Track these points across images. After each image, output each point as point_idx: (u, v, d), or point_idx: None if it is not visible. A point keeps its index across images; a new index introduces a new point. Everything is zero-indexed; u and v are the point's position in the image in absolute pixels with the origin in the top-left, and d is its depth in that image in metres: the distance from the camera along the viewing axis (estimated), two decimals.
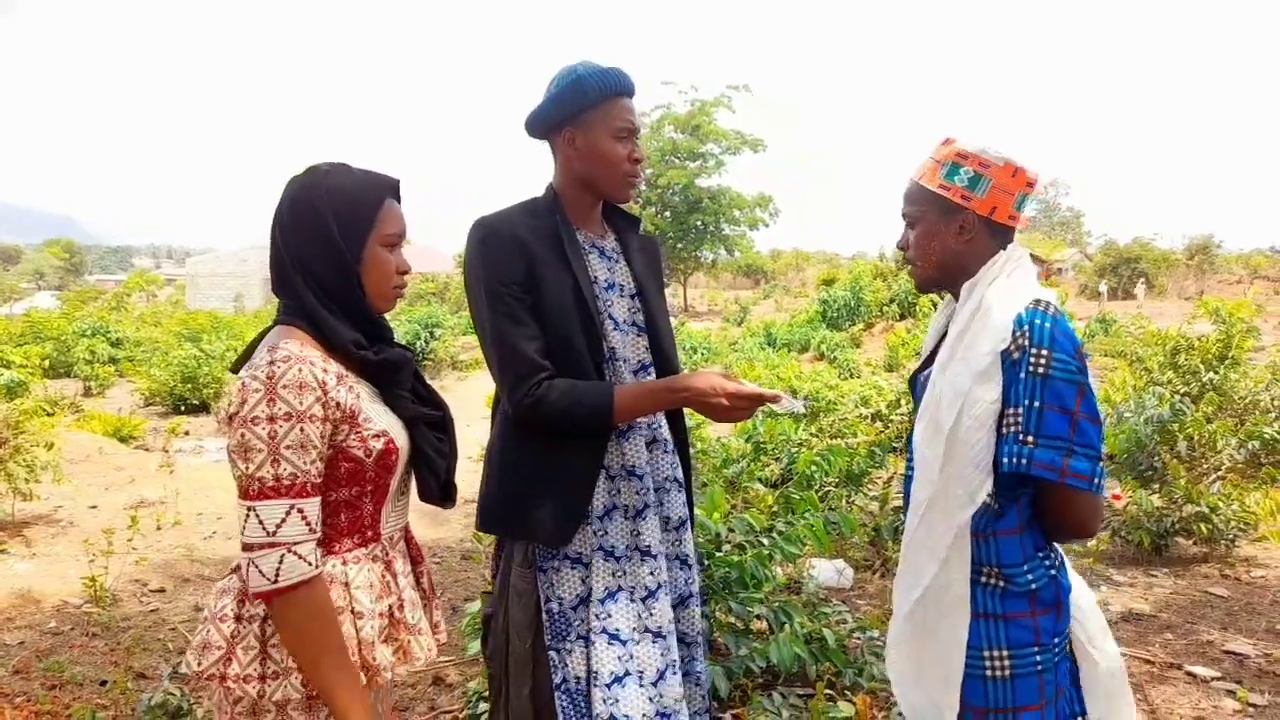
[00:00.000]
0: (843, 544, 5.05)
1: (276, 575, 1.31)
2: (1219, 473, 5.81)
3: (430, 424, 1.57)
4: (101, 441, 8.82)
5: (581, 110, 1.89)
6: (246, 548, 1.33)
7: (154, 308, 33.27)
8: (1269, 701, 3.37)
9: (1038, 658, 1.53)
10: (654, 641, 1.92)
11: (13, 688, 3.44)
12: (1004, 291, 1.55)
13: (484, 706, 2.91)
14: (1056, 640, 1.56)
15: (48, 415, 6.92)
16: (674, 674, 1.92)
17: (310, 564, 1.34)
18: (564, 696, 1.86)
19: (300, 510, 1.34)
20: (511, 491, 1.89)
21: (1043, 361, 1.45)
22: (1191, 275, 38.13)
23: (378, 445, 1.43)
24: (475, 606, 3.03)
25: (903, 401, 7.38)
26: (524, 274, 1.84)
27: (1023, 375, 1.46)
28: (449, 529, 6.13)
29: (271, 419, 1.31)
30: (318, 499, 1.37)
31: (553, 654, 1.86)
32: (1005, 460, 1.47)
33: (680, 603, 2.03)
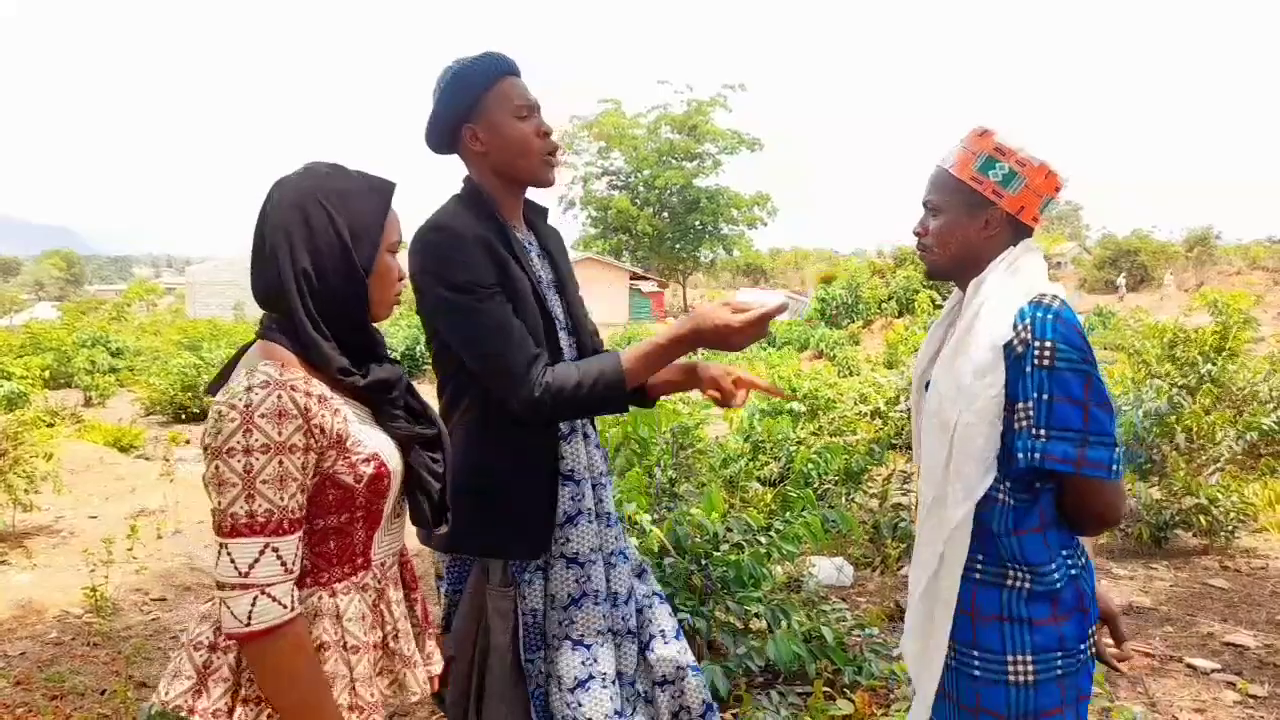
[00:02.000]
0: (842, 541, 5.05)
1: (249, 618, 1.22)
2: (1218, 464, 5.81)
3: (423, 442, 1.48)
4: (101, 451, 8.83)
5: (471, 102, 1.81)
6: (219, 586, 1.24)
7: (154, 317, 33.26)
8: (1269, 693, 3.37)
9: (1059, 663, 1.51)
10: (617, 643, 1.92)
11: (14, 699, 3.44)
12: (1007, 286, 1.53)
13: None
14: (1081, 646, 1.54)
15: (48, 426, 6.93)
16: (601, 686, 1.90)
17: (285, 606, 1.25)
18: (536, 704, 1.84)
19: (275, 549, 1.24)
20: (486, 507, 1.81)
21: (1047, 353, 1.44)
22: (1190, 267, 38.10)
23: (368, 470, 1.34)
24: None
25: (902, 399, 7.38)
26: (495, 273, 1.77)
27: (1028, 369, 1.45)
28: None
29: (248, 450, 1.22)
30: (295, 535, 1.27)
31: (528, 665, 1.84)
32: (1020, 456, 1.45)
33: (628, 600, 2.00)
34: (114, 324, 24.30)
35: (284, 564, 1.26)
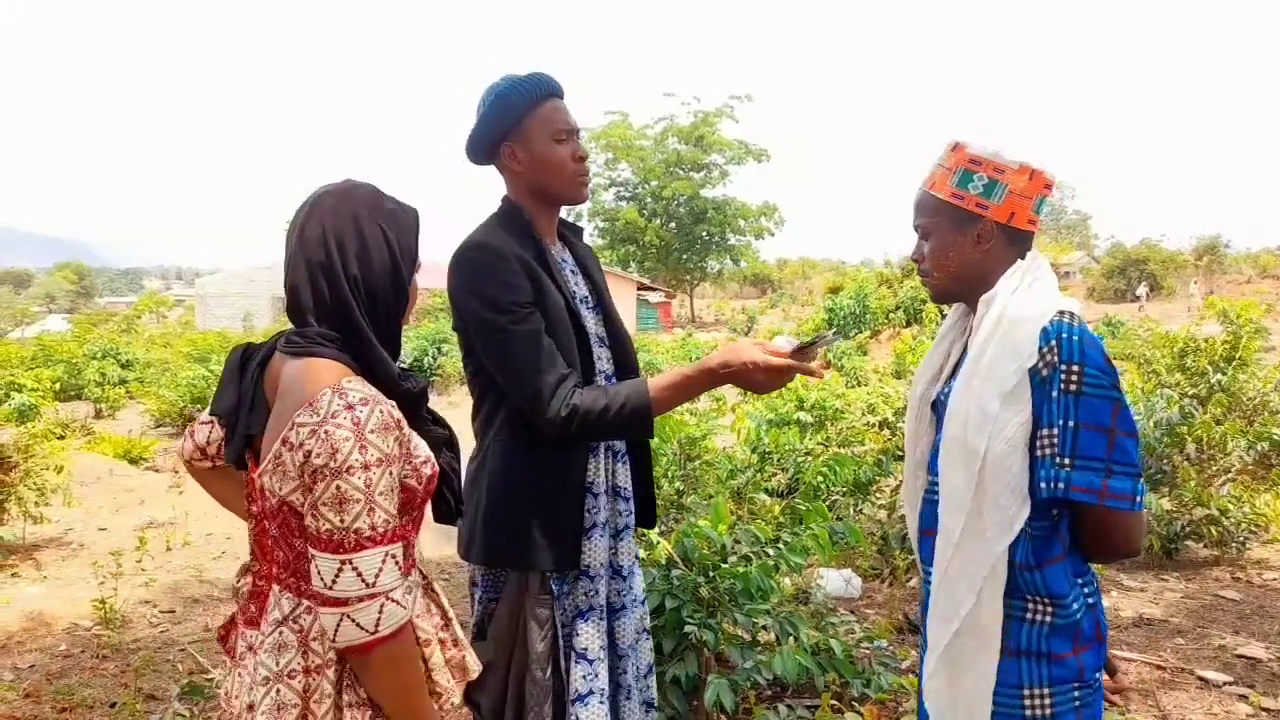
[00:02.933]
0: (850, 553, 5.03)
1: (377, 625, 1.26)
2: (1229, 475, 5.77)
3: (445, 444, 1.55)
4: (111, 463, 8.87)
5: (514, 123, 1.86)
6: (338, 603, 1.25)
7: (164, 329, 33.45)
8: None
9: (1076, 694, 1.47)
10: (617, 659, 1.95)
11: (24, 711, 3.45)
12: (1025, 303, 1.47)
13: None
14: (1097, 675, 1.51)
15: (58, 439, 6.97)
16: (627, 699, 1.95)
17: (405, 608, 1.31)
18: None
19: (394, 556, 1.29)
20: (520, 521, 1.85)
21: (1074, 378, 1.38)
22: (1200, 276, 37.95)
23: (426, 471, 1.39)
24: None
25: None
26: (531, 293, 1.81)
27: (1054, 394, 1.39)
28: (454, 545, 6.13)
29: (365, 466, 1.24)
30: (401, 542, 1.33)
31: (567, 676, 1.87)
32: (1043, 485, 1.41)
33: (611, 613, 2.01)
34: (124, 336, 24.43)
35: (400, 568, 1.31)
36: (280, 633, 1.35)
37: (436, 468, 1.43)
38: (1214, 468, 5.84)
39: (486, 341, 1.81)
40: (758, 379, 1.77)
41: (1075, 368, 1.39)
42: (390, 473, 1.28)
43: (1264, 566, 5.15)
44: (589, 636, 1.88)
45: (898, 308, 25.56)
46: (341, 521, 1.24)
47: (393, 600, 1.28)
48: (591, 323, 1.97)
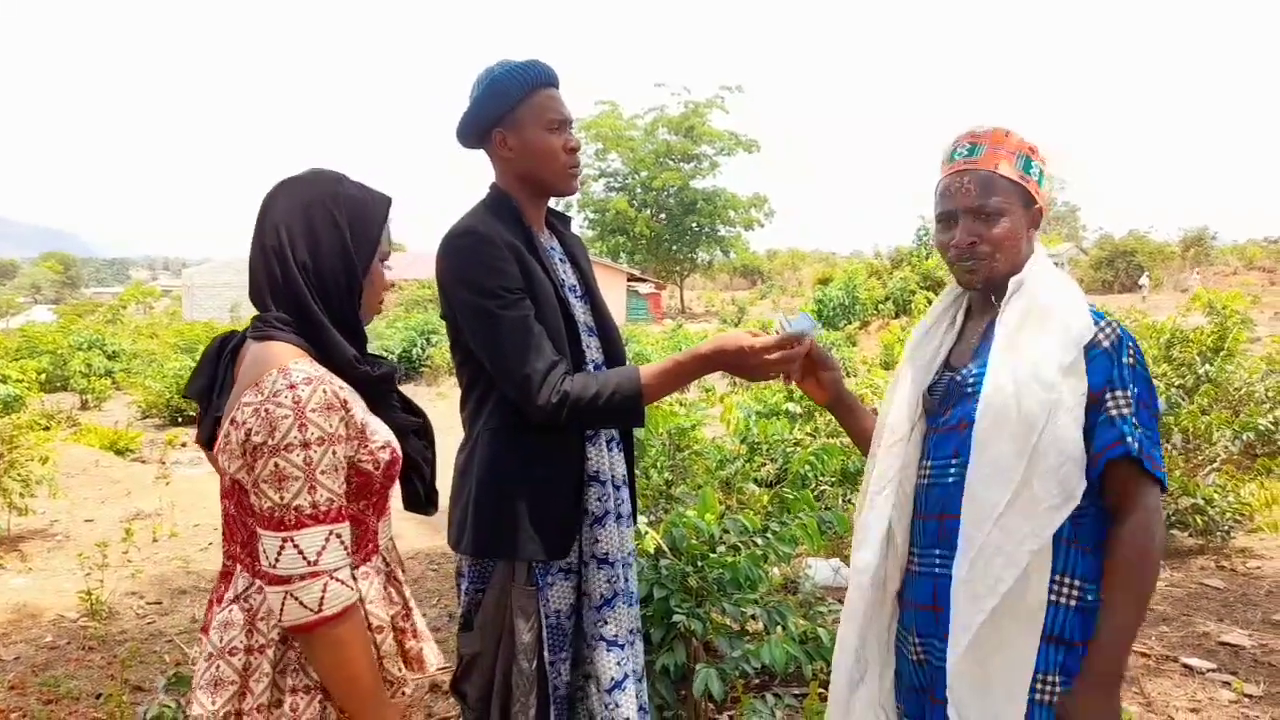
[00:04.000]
0: (838, 543, 5.05)
1: (320, 604, 1.26)
2: (1214, 465, 5.81)
3: (415, 432, 1.57)
4: (98, 455, 8.81)
5: (507, 109, 1.85)
6: (281, 580, 1.26)
7: (150, 319, 33.22)
8: (1264, 692, 3.37)
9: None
10: (635, 644, 1.95)
11: (9, 703, 3.43)
12: (1064, 285, 1.54)
13: None
14: None
15: (44, 429, 6.91)
16: (634, 684, 1.95)
17: (352, 589, 1.31)
18: (556, 706, 1.86)
19: (338, 535, 1.30)
20: (508, 510, 1.83)
21: (1133, 353, 1.46)
22: (1187, 267, 38.16)
23: (384, 456, 1.40)
24: None
25: None
26: (520, 279, 1.80)
27: (1125, 361, 1.45)
28: (445, 536, 6.12)
29: (305, 445, 1.26)
30: (348, 522, 1.34)
31: (550, 668, 1.85)
32: (1129, 441, 1.41)
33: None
34: (110, 327, 24.28)
35: (346, 548, 1.32)
36: (230, 610, 1.37)
37: (399, 454, 1.44)
38: (1200, 457, 5.88)
39: (475, 327, 1.79)
40: (751, 364, 1.76)
41: (1131, 345, 1.47)
42: (333, 452, 1.29)
43: (1248, 555, 5.20)
44: (617, 623, 1.88)
45: (887, 299, 25.62)
46: (281, 499, 1.26)
47: (337, 580, 1.29)
48: (580, 311, 1.96)
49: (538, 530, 1.82)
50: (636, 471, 2.18)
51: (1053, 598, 1.47)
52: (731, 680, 2.91)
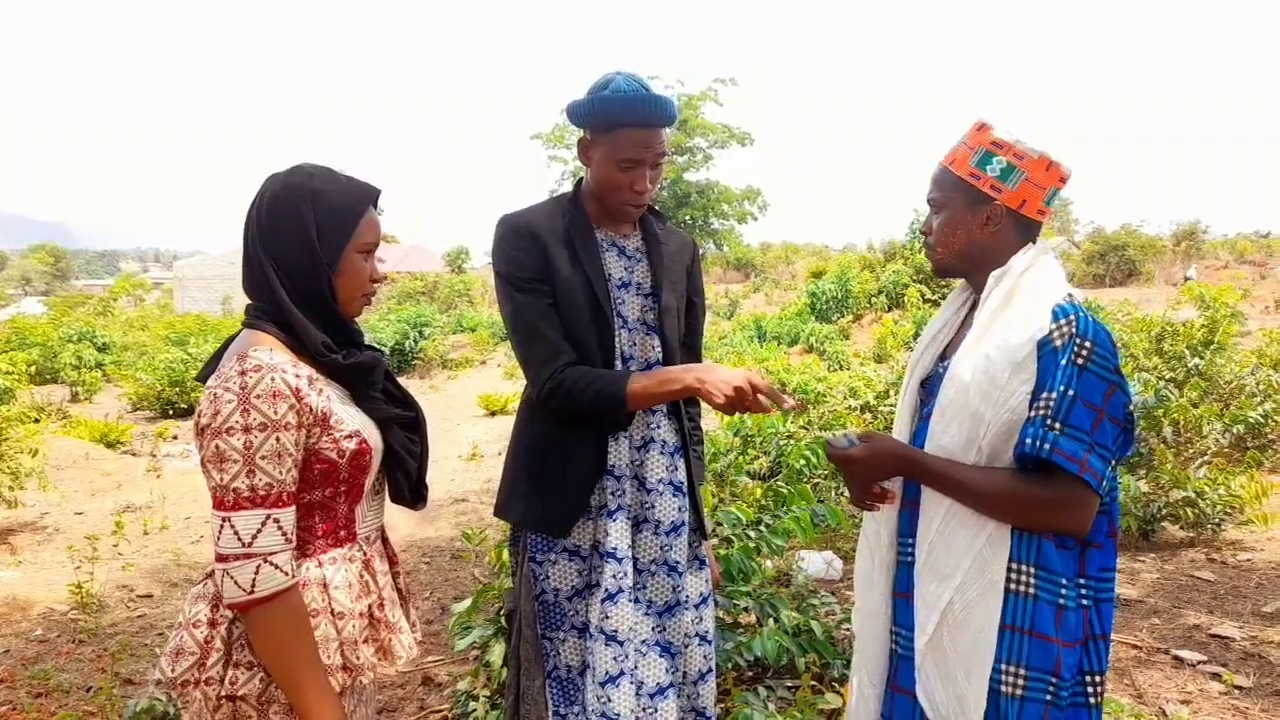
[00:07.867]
0: (831, 535, 5.06)
1: (253, 586, 1.31)
2: (1205, 457, 5.83)
3: (402, 424, 1.58)
4: (88, 447, 8.78)
5: (602, 128, 1.89)
6: (221, 559, 1.32)
7: (141, 311, 33.06)
8: (1254, 684, 3.39)
9: (1051, 688, 1.46)
10: (671, 657, 2.00)
11: None
12: (1037, 281, 1.53)
13: (474, 706, 2.90)
14: (1084, 689, 1.50)
15: (34, 422, 6.88)
16: (666, 698, 1.95)
17: (286, 574, 1.35)
18: (554, 684, 1.93)
19: (276, 520, 1.34)
20: (521, 478, 1.97)
21: (1084, 352, 1.43)
22: (1179, 261, 38.29)
23: (350, 446, 1.43)
24: (464, 606, 3.02)
25: (891, 393, 7.38)
26: (540, 268, 1.90)
27: (1063, 362, 1.44)
28: (439, 528, 6.12)
29: (246, 429, 1.31)
30: (293, 508, 1.38)
31: (545, 643, 1.93)
32: (1029, 442, 1.43)
33: (666, 611, 2.02)
34: (101, 319, 24.14)
35: (284, 534, 1.36)
36: (205, 584, 1.44)
37: (369, 444, 1.47)
38: (1190, 450, 5.90)
39: (500, 306, 1.96)
40: (719, 400, 1.75)
41: (1087, 343, 1.44)
42: (277, 439, 1.33)
43: (1238, 548, 5.22)
44: (619, 619, 1.89)
45: (880, 292, 25.64)
46: (221, 479, 1.32)
47: (271, 563, 1.33)
48: (632, 308, 2.00)
49: (541, 501, 1.93)
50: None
51: (1011, 585, 1.49)
52: (724, 672, 2.92)
